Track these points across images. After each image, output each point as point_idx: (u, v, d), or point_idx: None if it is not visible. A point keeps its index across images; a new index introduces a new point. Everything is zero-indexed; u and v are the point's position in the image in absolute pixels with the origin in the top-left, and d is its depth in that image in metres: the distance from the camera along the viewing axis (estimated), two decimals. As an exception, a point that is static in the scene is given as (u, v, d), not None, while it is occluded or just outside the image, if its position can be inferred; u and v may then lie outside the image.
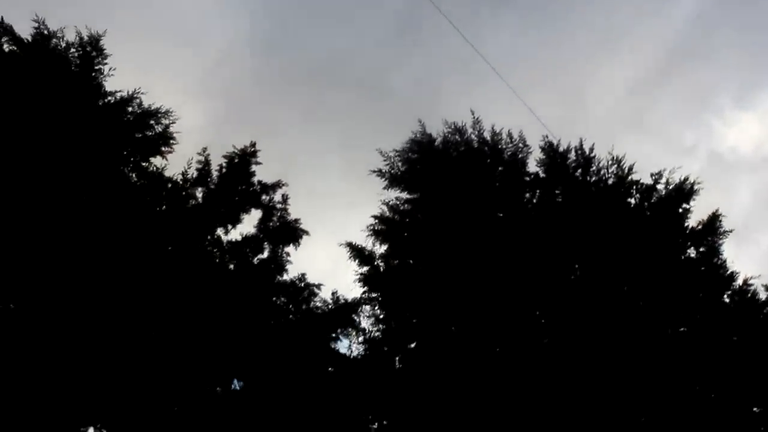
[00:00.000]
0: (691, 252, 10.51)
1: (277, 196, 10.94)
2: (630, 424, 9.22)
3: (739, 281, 10.13)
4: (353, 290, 11.22)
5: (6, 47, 9.38)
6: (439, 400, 9.55)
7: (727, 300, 10.15)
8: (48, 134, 9.00)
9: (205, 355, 9.07)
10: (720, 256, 10.40)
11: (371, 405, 10.08)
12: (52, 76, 9.35)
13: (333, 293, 10.77)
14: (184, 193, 10.22)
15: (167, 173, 10.13)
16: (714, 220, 10.43)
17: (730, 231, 10.42)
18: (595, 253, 10.32)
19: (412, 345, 10.66)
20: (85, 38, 9.68)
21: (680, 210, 10.61)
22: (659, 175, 10.73)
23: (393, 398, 9.93)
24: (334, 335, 10.63)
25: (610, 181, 10.97)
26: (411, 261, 11.24)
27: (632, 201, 10.84)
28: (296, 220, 10.94)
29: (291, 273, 10.72)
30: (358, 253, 11.31)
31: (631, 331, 9.55)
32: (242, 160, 10.72)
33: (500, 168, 11.43)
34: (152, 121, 9.98)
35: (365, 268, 11.26)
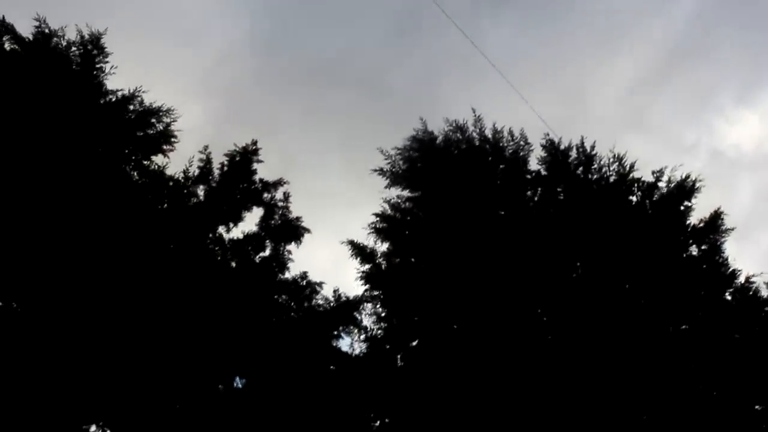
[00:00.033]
0: (693, 250, 10.51)
1: (279, 194, 10.95)
2: (632, 422, 9.22)
3: (741, 279, 10.12)
4: (355, 288, 11.21)
5: (7, 46, 9.39)
6: (441, 398, 9.56)
7: (728, 298, 10.14)
8: (50, 133, 9.01)
9: (208, 353, 9.08)
10: (722, 254, 10.39)
11: (373, 403, 10.08)
12: (54, 74, 9.35)
13: (335, 291, 10.79)
14: (185, 191, 10.22)
15: (169, 171, 10.14)
16: (716, 218, 10.42)
17: (732, 229, 10.43)
18: (596, 251, 10.32)
19: (414, 343, 10.66)
20: (86, 37, 9.67)
21: (682, 208, 10.60)
22: (661, 172, 10.74)
23: (395, 396, 9.94)
24: (335, 333, 10.63)
25: (611, 179, 10.97)
26: (413, 259, 11.25)
27: (634, 199, 10.84)
28: (298, 218, 10.95)
29: (293, 271, 10.74)
30: (359, 251, 11.31)
31: (633, 329, 9.55)
32: (244, 158, 10.72)
33: (502, 166, 11.43)
34: (153, 120, 9.97)
35: (367, 266, 11.26)
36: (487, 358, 9.67)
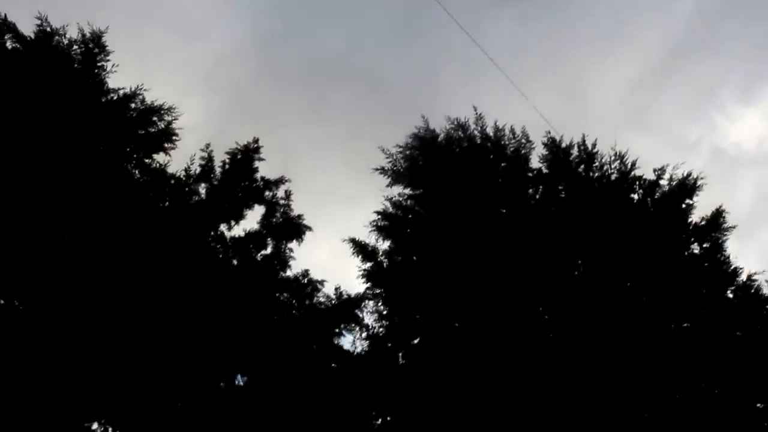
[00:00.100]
0: (695, 248, 10.50)
1: (280, 192, 10.96)
2: (633, 420, 9.23)
3: (743, 277, 10.10)
4: (356, 286, 11.20)
5: (9, 44, 9.40)
6: (443, 395, 9.56)
7: (730, 296, 10.13)
8: (52, 131, 9.02)
9: (209, 350, 9.09)
10: (723, 252, 10.37)
11: (375, 401, 10.09)
12: (55, 73, 9.36)
13: (336, 289, 10.78)
14: (187, 189, 10.23)
15: (170, 169, 10.16)
16: (718, 215, 10.41)
17: (734, 227, 10.41)
18: (598, 248, 10.32)
19: (416, 341, 10.67)
20: (88, 35, 9.66)
21: (683, 206, 10.59)
22: (662, 170, 10.72)
23: (396, 394, 9.95)
24: (337, 331, 10.64)
25: (612, 177, 10.96)
26: (414, 257, 11.25)
27: (635, 197, 10.82)
28: (299, 216, 10.95)
29: (294, 269, 10.73)
30: (361, 249, 11.31)
31: (635, 326, 9.55)
32: (245, 156, 10.72)
33: (503, 164, 11.42)
34: (155, 118, 9.98)
35: (368, 264, 11.26)
36: (488, 356, 9.68)
